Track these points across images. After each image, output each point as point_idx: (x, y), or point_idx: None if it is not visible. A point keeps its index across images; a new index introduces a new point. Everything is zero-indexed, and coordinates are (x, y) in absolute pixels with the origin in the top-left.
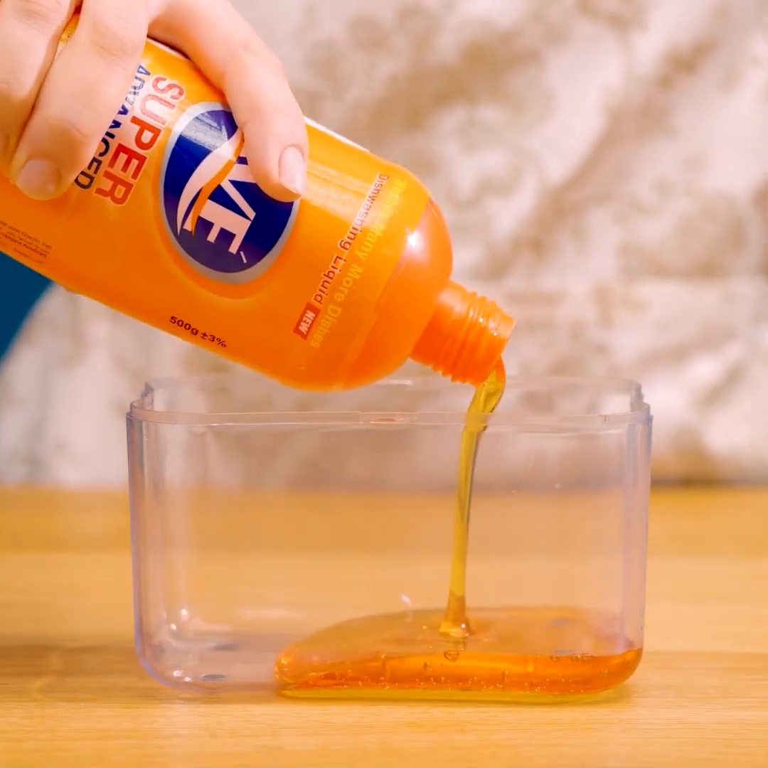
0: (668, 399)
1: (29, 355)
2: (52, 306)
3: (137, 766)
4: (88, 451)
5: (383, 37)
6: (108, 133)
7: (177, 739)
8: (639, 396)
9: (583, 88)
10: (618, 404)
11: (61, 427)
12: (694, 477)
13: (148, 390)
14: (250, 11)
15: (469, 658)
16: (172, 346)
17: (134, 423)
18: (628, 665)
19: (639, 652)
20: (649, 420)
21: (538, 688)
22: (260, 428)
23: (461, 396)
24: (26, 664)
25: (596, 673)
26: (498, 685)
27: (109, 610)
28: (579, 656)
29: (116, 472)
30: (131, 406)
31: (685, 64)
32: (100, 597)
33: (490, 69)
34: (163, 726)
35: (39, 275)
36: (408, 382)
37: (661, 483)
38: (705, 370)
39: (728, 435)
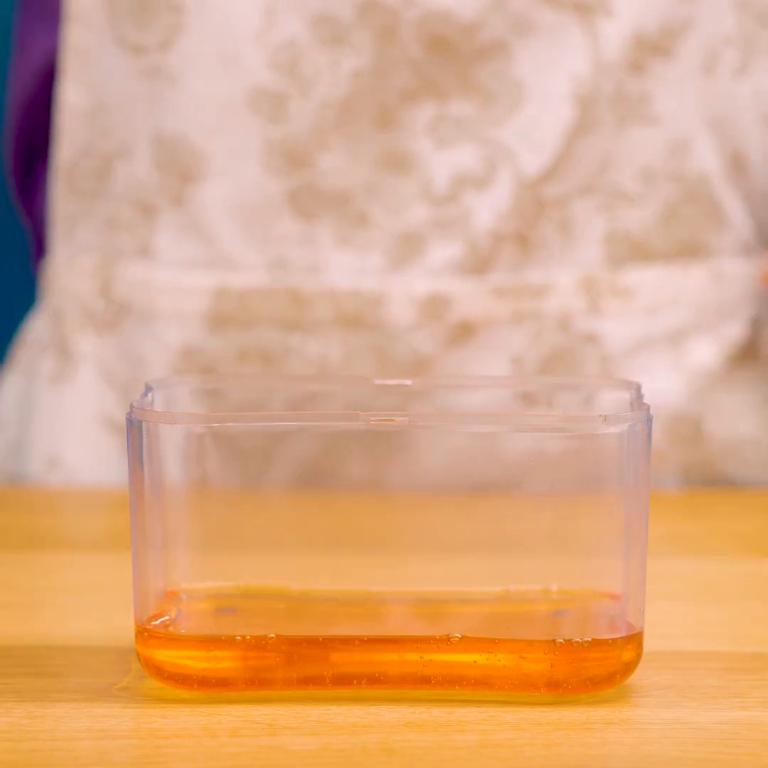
0: (665, 386)
1: (15, 375)
2: (37, 325)
3: (137, 766)
4: (79, 467)
5: (344, 33)
6: None
7: (177, 739)
8: (639, 395)
9: (552, 79)
10: (615, 398)
11: (52, 444)
12: (693, 468)
13: (147, 390)
14: (208, 15)
15: (466, 648)
16: (159, 359)
17: (134, 423)
18: (628, 665)
19: (639, 645)
20: (649, 420)
21: (539, 687)
22: (260, 428)
23: (460, 396)
24: (26, 664)
25: (597, 669)
26: (494, 683)
27: (109, 610)
28: (579, 641)
29: (108, 486)
30: (131, 406)
31: (657, 48)
32: (100, 597)
33: (457, 62)
34: (163, 726)
35: (25, 297)
36: (408, 382)
37: (659, 475)
38: (703, 353)
39: (730, 423)
